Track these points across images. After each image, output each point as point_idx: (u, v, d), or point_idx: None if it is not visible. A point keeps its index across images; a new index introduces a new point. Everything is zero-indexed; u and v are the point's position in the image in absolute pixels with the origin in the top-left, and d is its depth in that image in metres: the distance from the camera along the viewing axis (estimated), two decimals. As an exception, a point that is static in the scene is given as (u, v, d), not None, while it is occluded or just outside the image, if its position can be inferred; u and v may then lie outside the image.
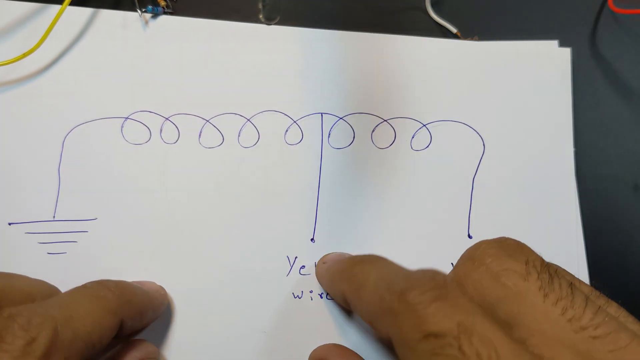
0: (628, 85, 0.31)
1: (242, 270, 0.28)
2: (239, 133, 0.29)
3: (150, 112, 0.29)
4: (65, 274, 0.27)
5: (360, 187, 0.29)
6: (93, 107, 0.29)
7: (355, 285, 0.20)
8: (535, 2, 0.32)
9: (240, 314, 0.27)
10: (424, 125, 0.30)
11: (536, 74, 0.31)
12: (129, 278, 0.27)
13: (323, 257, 0.28)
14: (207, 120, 0.29)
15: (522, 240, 0.28)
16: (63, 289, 0.26)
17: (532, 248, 0.26)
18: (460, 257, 0.18)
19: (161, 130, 0.29)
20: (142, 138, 0.29)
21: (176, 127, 0.29)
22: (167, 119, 0.29)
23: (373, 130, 0.30)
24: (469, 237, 0.29)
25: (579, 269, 0.28)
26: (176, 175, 0.29)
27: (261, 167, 0.29)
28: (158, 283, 0.27)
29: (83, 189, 0.28)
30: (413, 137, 0.30)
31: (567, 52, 0.31)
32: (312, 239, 0.28)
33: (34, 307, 0.19)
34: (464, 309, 0.15)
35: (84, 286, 0.22)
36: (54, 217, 0.28)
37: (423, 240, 0.28)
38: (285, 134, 0.29)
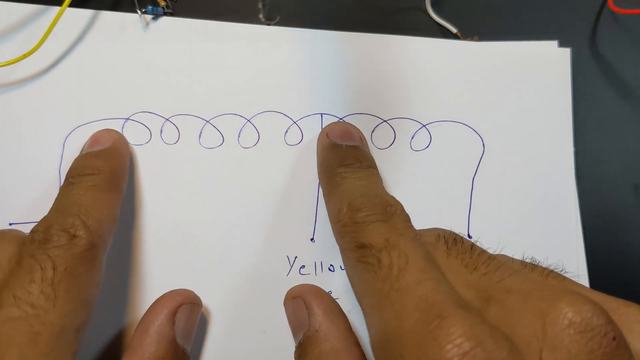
0: (628, 85, 0.31)
1: (242, 270, 0.28)
2: (239, 133, 0.29)
3: (150, 112, 0.29)
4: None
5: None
6: (94, 108, 0.29)
7: (330, 186, 0.23)
8: (535, 2, 0.32)
9: (240, 314, 0.27)
10: (424, 126, 0.30)
11: (536, 74, 0.31)
12: (129, 277, 0.27)
13: (327, 126, 0.28)
14: (207, 121, 0.29)
15: (522, 240, 0.28)
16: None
17: (532, 247, 0.27)
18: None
19: (161, 131, 0.29)
20: (143, 139, 0.29)
21: (176, 127, 0.29)
22: (167, 119, 0.29)
23: (373, 131, 0.30)
24: (469, 236, 0.29)
25: (579, 269, 0.28)
26: (176, 175, 0.29)
27: (261, 167, 0.29)
28: (158, 283, 0.27)
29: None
30: (413, 138, 0.30)
31: (566, 52, 0.31)
32: (312, 239, 0.28)
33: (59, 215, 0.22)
34: (396, 231, 0.18)
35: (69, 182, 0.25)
36: (54, 217, 0.28)
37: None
38: (285, 134, 0.29)
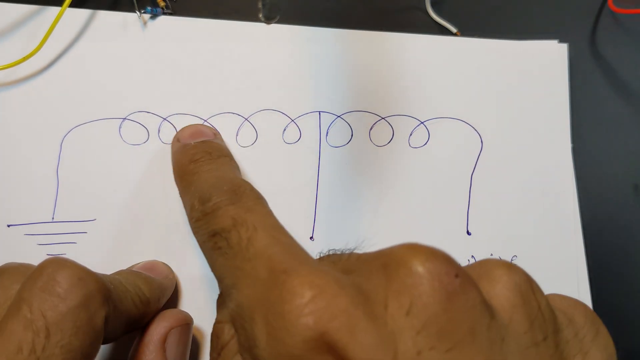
0: (628, 85, 0.31)
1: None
2: (237, 132, 0.29)
3: (148, 112, 0.29)
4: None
5: (359, 184, 0.29)
6: (91, 108, 0.29)
7: (183, 186, 0.22)
8: (535, 2, 0.32)
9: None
10: (422, 123, 0.30)
11: (533, 70, 0.31)
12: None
13: (178, 131, 0.27)
14: (205, 120, 0.29)
15: (521, 237, 0.28)
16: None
17: (531, 243, 0.26)
18: None
19: (159, 131, 0.29)
20: (141, 138, 0.29)
21: (174, 127, 0.29)
22: (165, 119, 0.29)
23: (371, 128, 0.30)
24: (468, 233, 0.29)
25: (579, 269, 0.28)
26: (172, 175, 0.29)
27: (260, 166, 0.29)
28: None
29: (82, 190, 0.28)
30: (411, 135, 0.30)
31: (564, 47, 0.31)
32: (311, 237, 0.28)
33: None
34: (245, 209, 0.18)
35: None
36: (52, 218, 0.28)
37: (422, 236, 0.28)
38: (283, 132, 0.29)
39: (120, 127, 0.29)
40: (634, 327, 0.28)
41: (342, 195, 0.29)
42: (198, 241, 0.19)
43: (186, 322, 0.24)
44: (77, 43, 0.30)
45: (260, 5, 0.22)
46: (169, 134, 0.29)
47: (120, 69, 0.30)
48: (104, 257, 0.27)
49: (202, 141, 0.25)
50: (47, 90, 0.29)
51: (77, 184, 0.28)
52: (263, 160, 0.29)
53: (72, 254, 0.27)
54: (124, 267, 0.27)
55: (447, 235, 0.28)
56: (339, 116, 0.29)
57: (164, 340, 0.22)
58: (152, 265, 0.26)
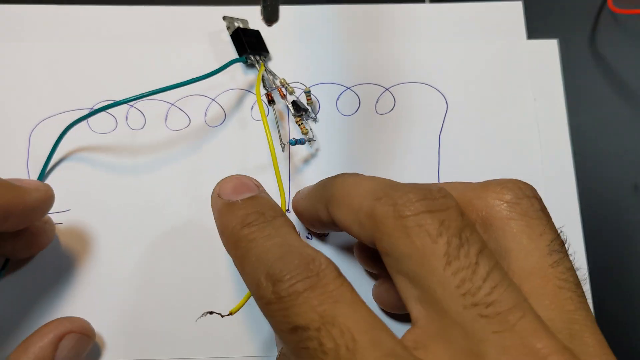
0: (628, 85, 0.31)
1: (230, 265, 0.28)
2: (205, 113, 0.30)
3: (114, 101, 0.29)
4: (42, 267, 0.27)
5: (330, 155, 0.29)
6: (56, 101, 0.29)
7: (239, 255, 0.19)
8: (535, 2, 0.33)
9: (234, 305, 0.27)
10: (387, 89, 0.30)
11: (494, 31, 0.32)
12: (106, 267, 0.27)
13: (217, 184, 0.22)
14: (172, 104, 0.30)
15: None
16: (41, 283, 0.26)
17: None
18: (382, 198, 0.17)
19: (127, 118, 0.29)
20: (109, 127, 0.29)
21: (142, 113, 0.29)
22: (131, 106, 0.29)
23: (337, 99, 0.30)
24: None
25: (579, 269, 0.28)
26: (146, 160, 0.29)
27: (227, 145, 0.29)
28: (136, 273, 0.27)
29: (54, 182, 0.28)
30: (377, 102, 0.30)
31: (519, 5, 0.32)
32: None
33: None
34: (329, 297, 0.16)
35: None
36: (26, 211, 0.28)
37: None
38: (251, 110, 0.30)
39: (87, 118, 0.29)
40: (634, 327, 0.28)
41: (314, 166, 0.29)
42: (272, 327, 0.17)
43: (87, 333, 0.24)
44: (38, 38, 0.30)
45: (261, 7, 0.22)
46: (137, 120, 0.29)
47: (81, 61, 0.30)
48: (81, 246, 0.27)
49: (249, 198, 0.21)
50: (9, 86, 0.29)
51: (49, 177, 0.28)
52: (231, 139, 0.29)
53: (50, 244, 0.27)
54: (101, 255, 0.27)
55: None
56: (306, 87, 0.30)
57: (59, 339, 0.23)
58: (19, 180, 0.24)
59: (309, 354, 0.15)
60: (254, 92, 0.30)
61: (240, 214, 0.20)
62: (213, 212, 0.22)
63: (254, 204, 0.20)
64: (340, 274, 0.17)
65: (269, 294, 0.16)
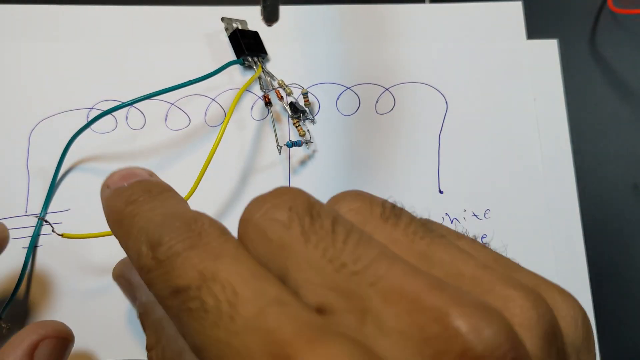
0: (627, 85, 0.31)
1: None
2: (205, 113, 0.30)
3: (114, 100, 0.29)
4: (42, 267, 0.27)
5: (331, 155, 0.29)
6: (56, 101, 0.29)
7: (123, 232, 0.18)
8: (535, 2, 0.32)
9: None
10: (387, 89, 0.30)
11: (494, 32, 0.31)
12: (105, 268, 0.27)
13: (106, 178, 0.20)
14: (172, 104, 0.30)
15: (494, 192, 0.29)
16: (40, 281, 0.26)
17: (501, 200, 0.25)
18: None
19: (127, 117, 0.29)
20: (109, 127, 0.29)
21: (142, 113, 0.29)
22: (131, 105, 0.29)
23: (337, 99, 0.30)
24: (440, 192, 0.29)
25: (579, 269, 0.28)
26: (145, 160, 0.29)
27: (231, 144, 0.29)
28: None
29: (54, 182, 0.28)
30: (377, 102, 0.30)
31: (518, 5, 0.32)
32: None
33: None
34: (211, 253, 0.14)
35: None
36: (26, 211, 0.28)
37: (396, 198, 0.29)
38: (251, 110, 0.30)
39: (87, 117, 0.29)
40: (634, 327, 0.28)
41: (313, 167, 0.29)
42: (155, 296, 0.15)
43: (64, 336, 0.22)
44: (41, 38, 0.30)
45: (261, 7, 0.22)
46: (137, 120, 0.29)
47: (85, 60, 0.30)
48: (81, 246, 0.27)
49: (137, 181, 0.20)
50: (10, 86, 0.29)
51: (48, 176, 0.28)
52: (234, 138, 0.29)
53: (49, 244, 0.27)
54: (100, 256, 0.27)
55: (421, 194, 0.29)
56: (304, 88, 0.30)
57: (33, 348, 0.21)
58: None
59: (191, 316, 0.14)
60: (254, 92, 0.30)
61: (125, 194, 0.19)
62: (102, 204, 0.20)
63: (141, 185, 0.19)
64: (225, 232, 0.15)
65: (149, 260, 0.15)
